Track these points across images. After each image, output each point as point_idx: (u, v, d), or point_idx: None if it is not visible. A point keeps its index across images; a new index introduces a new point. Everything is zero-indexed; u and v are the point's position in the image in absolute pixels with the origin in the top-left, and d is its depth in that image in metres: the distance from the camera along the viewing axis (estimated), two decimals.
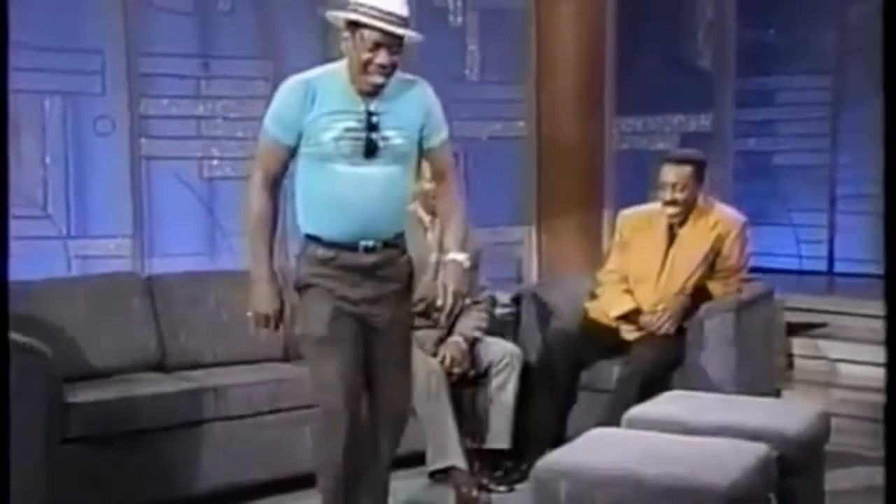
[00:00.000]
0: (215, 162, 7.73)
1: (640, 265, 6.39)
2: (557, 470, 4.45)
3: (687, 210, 6.29)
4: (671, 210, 6.27)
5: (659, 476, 4.25)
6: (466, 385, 6.18)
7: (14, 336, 5.00)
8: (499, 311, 6.59)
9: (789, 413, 5.43)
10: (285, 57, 7.84)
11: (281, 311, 4.33)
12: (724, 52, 9.31)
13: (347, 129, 3.99)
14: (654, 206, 6.37)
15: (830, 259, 9.62)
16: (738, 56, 9.27)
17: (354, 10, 3.94)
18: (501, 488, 5.92)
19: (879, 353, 7.28)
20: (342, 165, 4.02)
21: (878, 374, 7.47)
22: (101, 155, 7.36)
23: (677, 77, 9.45)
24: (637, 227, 6.49)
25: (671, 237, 6.33)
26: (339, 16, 3.97)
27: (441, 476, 5.79)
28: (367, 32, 3.89)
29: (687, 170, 6.29)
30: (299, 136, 4.06)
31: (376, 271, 4.20)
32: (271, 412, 6.02)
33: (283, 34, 7.98)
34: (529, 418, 6.09)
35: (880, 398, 6.60)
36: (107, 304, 6.27)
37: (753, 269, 6.89)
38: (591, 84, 8.83)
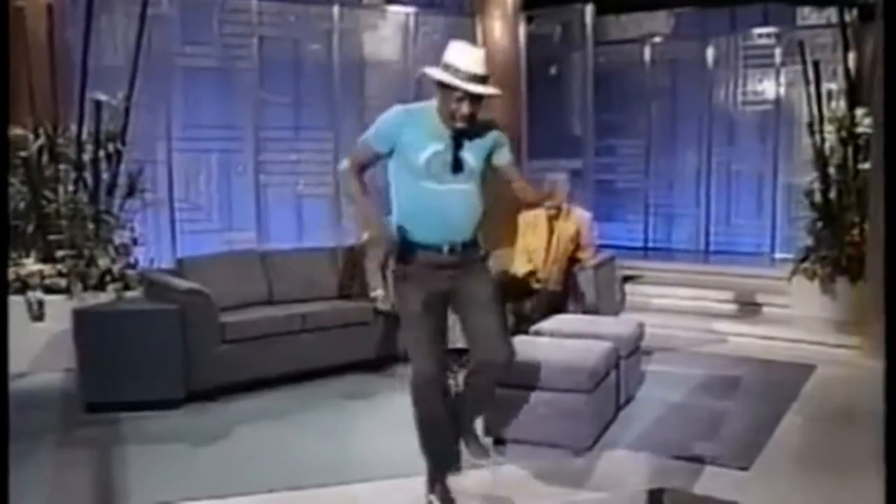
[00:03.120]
0: (301, 188, 8.42)
1: (535, 244, 6.57)
2: None
3: (558, 211, 6.49)
4: (552, 211, 6.48)
5: (552, 360, 4.47)
6: None
7: (191, 284, 5.75)
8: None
9: (623, 325, 5.76)
10: (340, 128, 8.50)
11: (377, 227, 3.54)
12: (587, 125, 9.72)
13: (436, 153, 3.33)
14: (538, 211, 6.50)
15: (646, 240, 10.48)
16: (595, 128, 9.73)
17: (445, 70, 3.30)
18: (463, 370, 5.99)
19: (671, 290, 7.73)
20: (430, 183, 3.36)
21: (670, 303, 7.87)
22: (239, 185, 8.17)
23: (562, 139, 9.84)
24: (531, 223, 6.66)
25: (551, 227, 6.53)
26: (433, 75, 3.34)
27: None
28: (454, 88, 3.25)
29: (562, 176, 6.67)
30: (390, 150, 3.40)
31: (456, 265, 3.47)
32: (333, 327, 6.16)
33: (339, 115, 8.49)
34: None
35: (672, 318, 7.06)
36: (241, 267, 6.55)
37: (604, 246, 7.25)
38: (513, 142, 8.61)
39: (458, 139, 3.38)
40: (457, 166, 3.37)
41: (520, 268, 6.63)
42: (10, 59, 6.48)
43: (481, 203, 3.52)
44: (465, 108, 3.27)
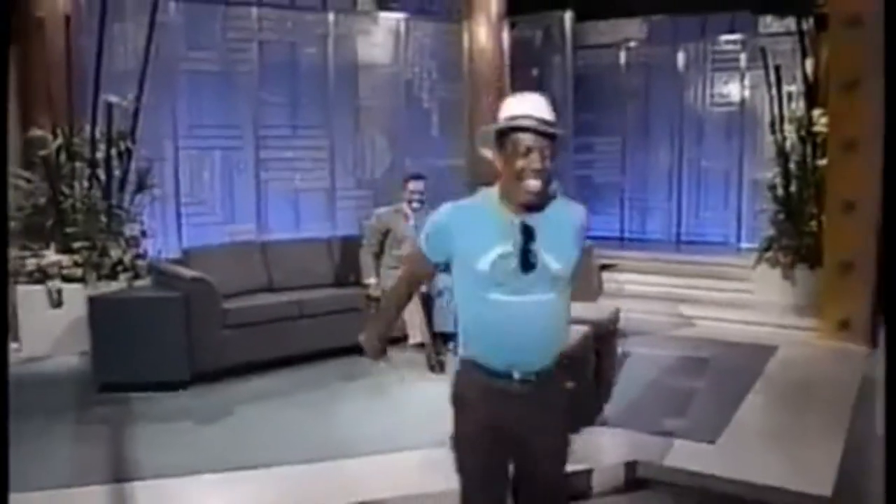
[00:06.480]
0: (297, 182, 8.41)
1: None
2: None
3: None
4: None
5: None
6: (430, 300, 6.08)
7: (194, 272, 5.76)
8: None
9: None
10: (334, 127, 8.53)
11: (383, 349, 2.83)
12: (566, 124, 9.24)
13: (503, 255, 2.38)
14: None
15: (622, 230, 10.48)
16: (574, 126, 9.42)
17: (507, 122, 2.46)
18: (449, 351, 5.98)
19: (645, 278, 7.76)
20: (497, 294, 2.39)
21: (644, 289, 7.92)
22: (241, 181, 8.14)
23: None
24: None
25: None
26: (491, 129, 2.46)
27: (417, 346, 5.94)
28: (519, 138, 2.38)
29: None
30: (447, 259, 2.52)
31: (528, 399, 2.47)
32: (328, 313, 6.18)
33: (334, 115, 8.51)
34: None
35: (646, 303, 7.09)
36: (242, 258, 6.57)
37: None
38: None
39: (532, 232, 2.41)
40: (530, 261, 2.41)
41: None
42: (31, 66, 6.58)
43: (564, 319, 2.57)
44: (535, 161, 2.37)
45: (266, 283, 6.48)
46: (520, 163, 2.39)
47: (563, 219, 2.49)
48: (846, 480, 3.85)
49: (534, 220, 2.42)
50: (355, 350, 6.01)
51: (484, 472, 2.57)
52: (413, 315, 5.92)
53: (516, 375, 2.45)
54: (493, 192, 2.50)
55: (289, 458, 4.10)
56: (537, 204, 2.43)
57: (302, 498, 3.69)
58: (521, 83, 9.37)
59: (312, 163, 8.38)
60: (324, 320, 6.14)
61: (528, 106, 2.45)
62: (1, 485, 2.23)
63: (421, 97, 9.00)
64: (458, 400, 2.59)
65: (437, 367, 5.88)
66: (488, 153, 2.51)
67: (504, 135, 2.43)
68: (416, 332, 5.95)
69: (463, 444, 2.58)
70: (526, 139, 2.39)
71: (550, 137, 2.40)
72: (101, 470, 4.01)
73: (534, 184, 2.38)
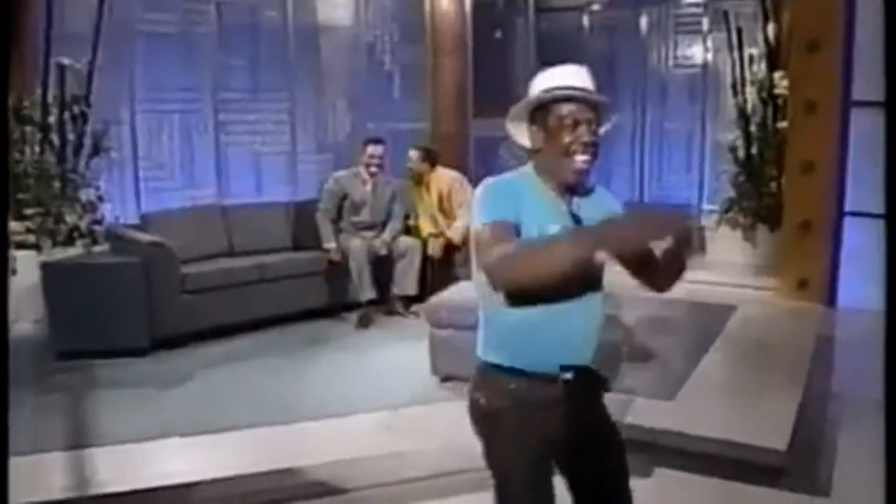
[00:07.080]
0: (258, 146, 8.28)
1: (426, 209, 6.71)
2: (438, 304, 4.74)
3: (420, 176, 6.64)
4: (416, 179, 6.67)
5: None
6: (393, 261, 6.27)
7: (153, 237, 5.70)
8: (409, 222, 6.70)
9: None
10: (295, 90, 8.40)
11: None
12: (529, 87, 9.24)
13: None
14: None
15: None
16: None
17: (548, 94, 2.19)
18: (412, 313, 6.07)
19: None
20: None
21: None
22: (200, 144, 7.98)
23: (506, 99, 9.09)
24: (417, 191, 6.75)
25: (421, 194, 6.70)
26: (531, 102, 2.20)
27: (370, 303, 6.12)
28: (565, 110, 2.13)
29: (413, 154, 6.63)
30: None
31: (568, 402, 2.19)
32: (288, 277, 6.19)
33: (294, 78, 8.36)
34: (425, 279, 6.30)
35: (609, 265, 7.05)
36: (201, 222, 6.52)
37: None
38: (460, 102, 8.98)
39: (578, 212, 2.19)
40: None
41: (424, 229, 6.68)
42: None
43: (604, 310, 2.27)
44: (585, 134, 2.12)
45: (226, 248, 6.44)
46: (567, 137, 2.15)
47: (600, 204, 2.23)
48: (801, 435, 3.92)
49: (577, 205, 2.20)
50: (316, 313, 6.11)
51: (531, 485, 2.20)
52: (362, 274, 6.02)
53: (562, 377, 2.18)
54: (527, 171, 2.23)
55: (250, 421, 4.07)
56: (583, 182, 2.21)
57: (264, 460, 3.67)
58: (483, 46, 9.33)
59: (273, 126, 8.28)
60: (285, 284, 6.13)
61: (570, 76, 2.21)
62: (1, 456, 2.17)
63: (383, 60, 8.92)
64: (488, 414, 2.25)
65: (366, 323, 6.05)
66: (520, 132, 2.27)
67: (544, 108, 2.19)
68: (366, 289, 6.07)
69: (502, 461, 2.23)
70: (574, 111, 2.15)
71: (595, 108, 2.18)
72: (63, 436, 3.96)
73: (584, 159, 2.14)
